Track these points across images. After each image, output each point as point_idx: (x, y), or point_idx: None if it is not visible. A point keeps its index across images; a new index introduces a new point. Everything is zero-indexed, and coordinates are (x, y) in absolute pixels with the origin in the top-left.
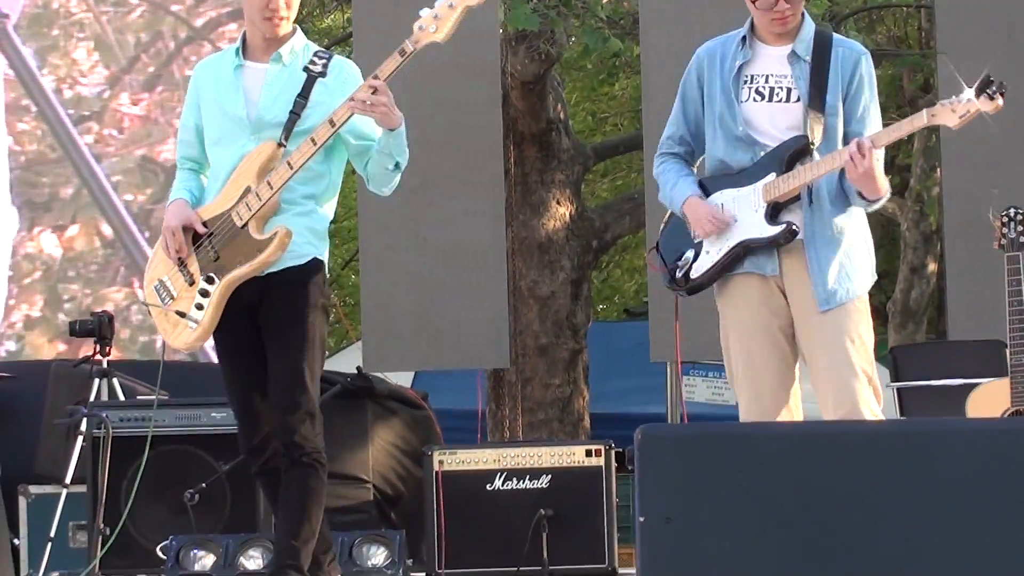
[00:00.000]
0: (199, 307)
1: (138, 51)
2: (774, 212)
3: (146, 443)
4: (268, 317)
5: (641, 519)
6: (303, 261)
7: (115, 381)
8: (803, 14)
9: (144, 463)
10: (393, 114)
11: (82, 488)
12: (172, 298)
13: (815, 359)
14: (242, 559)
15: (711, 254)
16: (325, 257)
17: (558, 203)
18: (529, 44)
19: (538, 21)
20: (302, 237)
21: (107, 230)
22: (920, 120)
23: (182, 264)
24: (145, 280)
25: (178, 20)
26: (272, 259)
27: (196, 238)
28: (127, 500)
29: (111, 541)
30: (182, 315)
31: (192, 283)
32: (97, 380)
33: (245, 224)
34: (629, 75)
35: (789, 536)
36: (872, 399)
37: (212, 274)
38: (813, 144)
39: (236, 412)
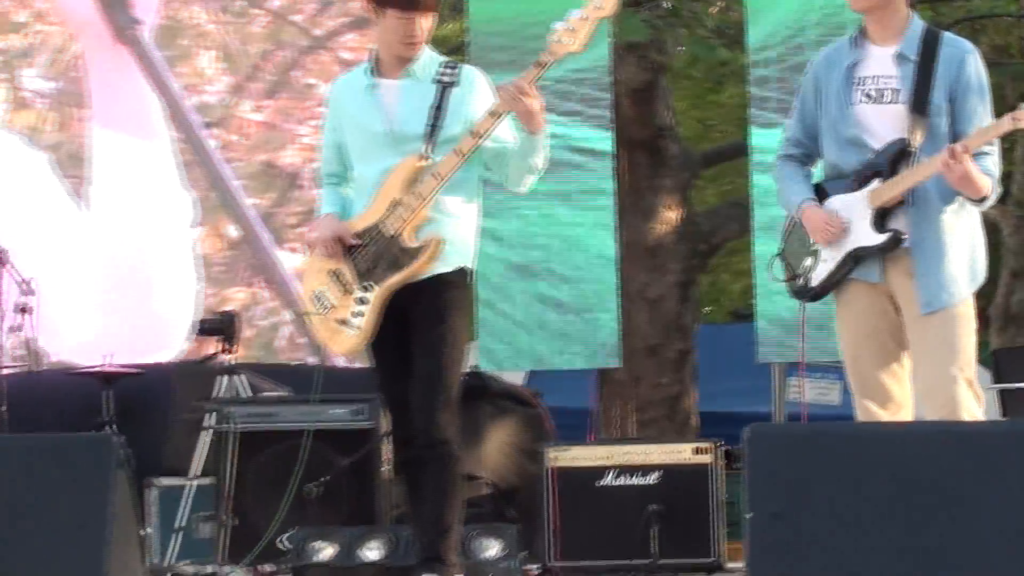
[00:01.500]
0: (358, 314)
1: (260, 60)
2: (881, 217)
3: (271, 437)
4: (416, 319)
5: (749, 515)
6: (451, 268)
7: (240, 378)
8: (911, 14)
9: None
10: (539, 118)
11: (207, 481)
12: (331, 307)
13: (917, 361)
14: (362, 550)
15: (828, 262)
16: (472, 263)
17: (667, 208)
18: (639, 53)
19: (648, 31)
20: (452, 247)
21: (232, 232)
22: (1004, 124)
23: (337, 274)
24: (303, 292)
25: (299, 30)
26: (426, 267)
27: (349, 249)
28: (256, 493)
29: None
30: (343, 322)
31: (348, 292)
32: (222, 377)
33: (397, 234)
34: (735, 83)
35: (893, 532)
36: (972, 402)
37: (369, 282)
38: (913, 147)
39: (388, 406)
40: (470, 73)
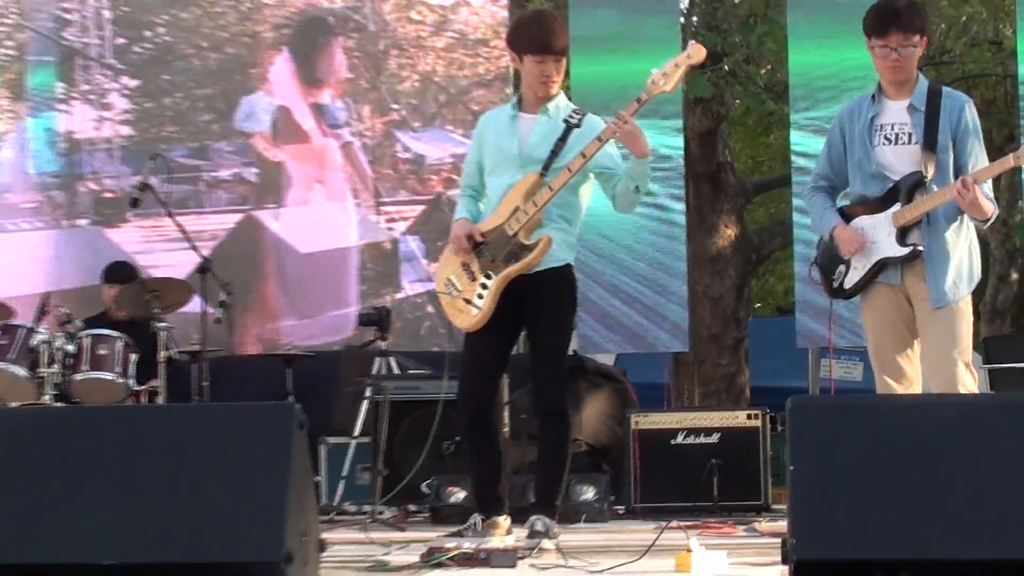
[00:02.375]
0: (480, 296)
1: (410, 110)
2: (903, 233)
3: (415, 405)
4: (532, 307)
5: (791, 467)
6: (559, 264)
7: (391, 359)
8: (918, 74)
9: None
10: (642, 141)
11: (366, 439)
12: (459, 291)
13: (926, 346)
14: None
15: (858, 269)
16: (572, 261)
17: (726, 226)
18: (704, 106)
19: (711, 89)
20: (558, 246)
21: (387, 245)
22: (1008, 162)
23: (466, 265)
24: (437, 278)
25: (439, 87)
26: (537, 260)
27: (476, 245)
28: (403, 449)
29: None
30: (468, 302)
31: (474, 279)
32: (378, 359)
33: (516, 234)
34: (780, 129)
35: (904, 481)
36: (969, 379)
37: (490, 271)
38: (927, 178)
39: (470, 375)
40: (591, 120)
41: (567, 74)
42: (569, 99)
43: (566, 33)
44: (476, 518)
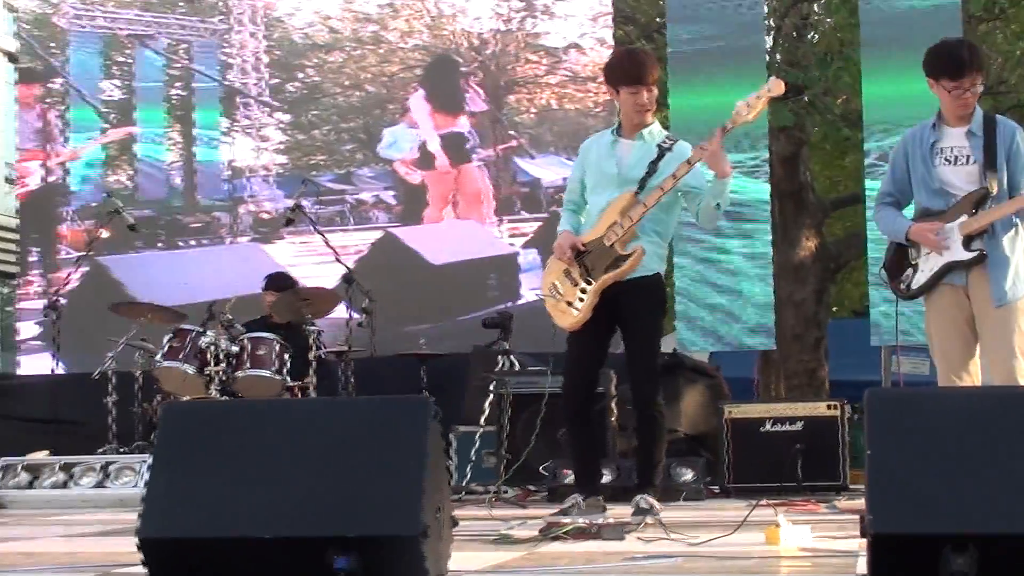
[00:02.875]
0: (580, 300)
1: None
2: (968, 240)
3: (533, 398)
4: (626, 312)
5: (869, 452)
6: (650, 273)
7: (513, 358)
8: (975, 106)
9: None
10: (724, 163)
11: (491, 428)
12: (561, 294)
13: (986, 342)
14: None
15: (924, 272)
16: (662, 271)
17: (807, 239)
18: (787, 133)
19: (793, 118)
20: (650, 257)
21: None
22: None
23: (568, 271)
24: (542, 283)
25: None
26: (631, 269)
27: (578, 255)
28: (523, 436)
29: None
30: (569, 304)
31: (575, 284)
32: (501, 357)
33: (613, 245)
34: (854, 152)
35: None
36: None
37: (589, 278)
38: (992, 194)
39: (570, 372)
40: (682, 145)
41: (666, 105)
42: (667, 127)
43: (656, 67)
44: (578, 498)
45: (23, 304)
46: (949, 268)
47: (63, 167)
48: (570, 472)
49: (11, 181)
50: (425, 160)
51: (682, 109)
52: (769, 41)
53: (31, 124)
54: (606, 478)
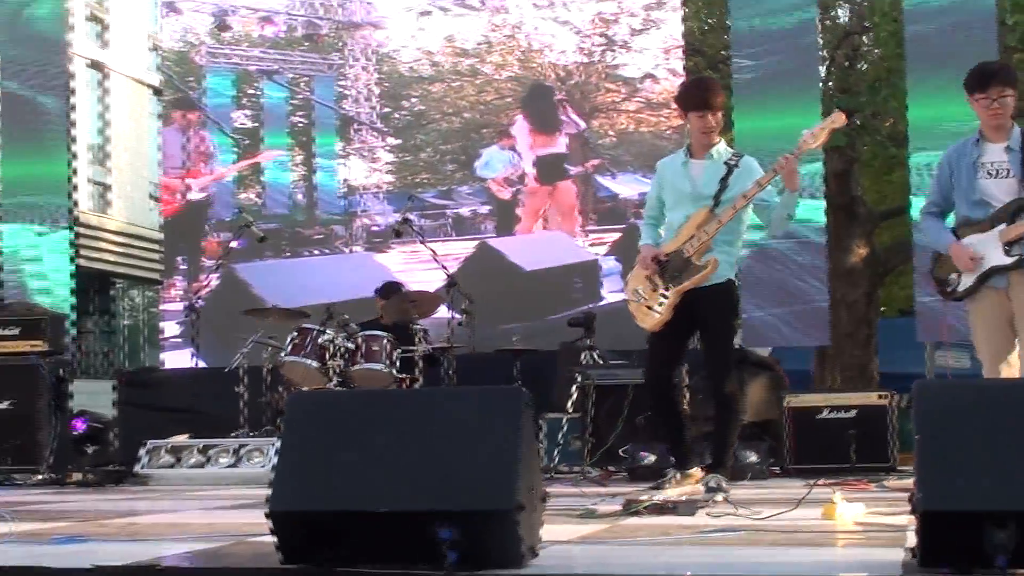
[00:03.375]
0: (660, 304)
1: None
2: (1008, 246)
3: (614, 388)
4: (703, 315)
5: (917, 436)
6: (723, 280)
7: (595, 353)
8: (1012, 123)
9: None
10: (796, 178)
11: (576, 415)
12: (644, 298)
13: None
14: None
15: (968, 277)
16: (734, 277)
17: (858, 247)
18: (840, 152)
19: (845, 139)
20: (722, 266)
21: None
22: None
23: (650, 279)
24: (627, 288)
25: None
26: (706, 277)
27: (659, 264)
28: (605, 422)
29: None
30: (651, 308)
31: (656, 290)
32: (585, 353)
33: (690, 256)
34: (900, 169)
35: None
36: None
37: (669, 285)
38: None
39: (652, 366)
40: (748, 161)
41: (731, 128)
42: (732, 146)
43: (721, 93)
44: (673, 472)
45: (166, 306)
46: (991, 272)
47: (202, 187)
48: (647, 454)
49: (155, 199)
50: (518, 178)
51: (746, 132)
52: (823, 70)
53: (173, 150)
54: (649, 459)
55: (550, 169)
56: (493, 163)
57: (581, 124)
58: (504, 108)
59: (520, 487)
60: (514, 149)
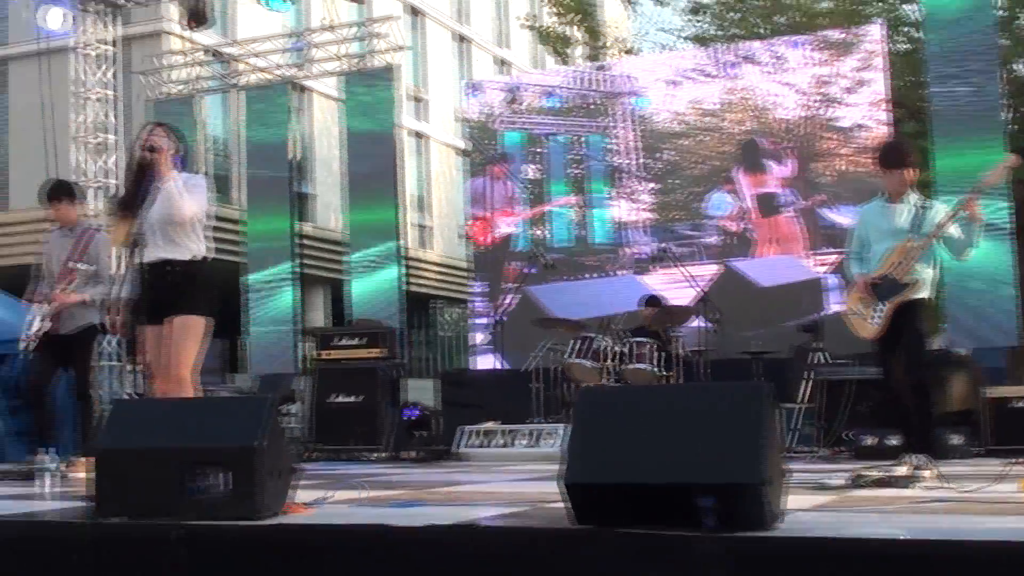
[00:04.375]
0: (875, 317)
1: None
2: None
3: (841, 382)
4: (906, 324)
5: None
6: (922, 297)
7: (822, 354)
8: None
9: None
10: (980, 212)
11: (809, 405)
12: (861, 315)
13: None
14: (887, 439)
15: None
16: (931, 295)
17: None
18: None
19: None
20: (921, 286)
21: None
22: None
23: (863, 300)
24: (847, 306)
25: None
26: (910, 295)
27: (872, 286)
28: (832, 411)
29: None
30: (868, 321)
31: (869, 307)
32: (813, 353)
33: (898, 279)
34: None
35: None
36: None
37: (883, 302)
38: None
39: (883, 368)
40: (935, 204)
41: (931, 165)
42: (936, 181)
43: (914, 151)
44: (906, 456)
45: (474, 320)
46: None
47: (503, 226)
48: (868, 436)
49: (463, 237)
50: (740, 213)
51: (945, 169)
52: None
53: (478, 197)
54: (870, 441)
55: (767, 205)
56: (720, 204)
57: (791, 168)
58: (735, 158)
59: (766, 464)
60: (734, 192)
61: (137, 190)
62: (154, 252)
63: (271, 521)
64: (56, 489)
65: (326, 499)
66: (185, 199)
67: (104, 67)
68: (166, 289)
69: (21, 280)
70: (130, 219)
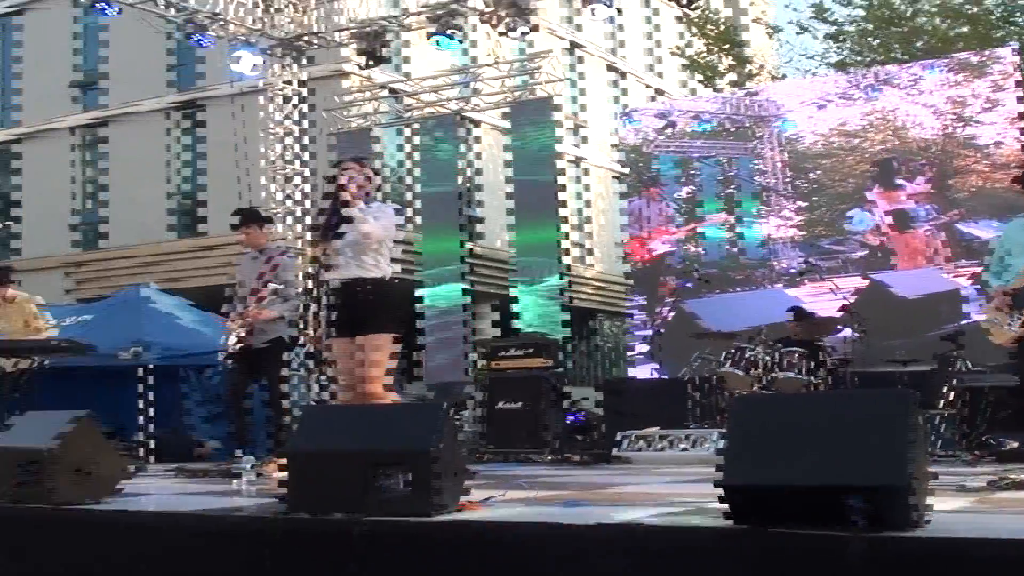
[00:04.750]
0: (1010, 324)
1: None
2: None
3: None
4: None
5: None
6: None
7: (963, 361)
8: None
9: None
10: None
11: (950, 411)
12: (999, 323)
13: None
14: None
15: None
16: None
17: None
18: None
19: None
20: None
21: None
22: None
23: (1002, 309)
24: (986, 315)
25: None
26: None
27: (1010, 297)
28: (973, 416)
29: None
30: (1004, 327)
31: (1006, 315)
32: (955, 360)
33: None
34: None
35: None
36: None
37: (1019, 310)
38: None
39: (1018, 371)
40: None
41: None
42: None
43: None
44: None
45: (634, 331)
46: None
47: (659, 243)
48: (1007, 441)
49: (620, 254)
50: (881, 229)
51: None
52: None
53: (635, 217)
54: (1010, 445)
55: (902, 220)
56: (862, 220)
57: (923, 184)
58: (872, 176)
59: (912, 466)
60: (871, 210)
61: (330, 217)
62: (346, 271)
63: (446, 517)
64: (252, 487)
65: (497, 498)
66: (371, 223)
67: (290, 105)
68: (358, 307)
69: (217, 299)
70: (326, 243)
